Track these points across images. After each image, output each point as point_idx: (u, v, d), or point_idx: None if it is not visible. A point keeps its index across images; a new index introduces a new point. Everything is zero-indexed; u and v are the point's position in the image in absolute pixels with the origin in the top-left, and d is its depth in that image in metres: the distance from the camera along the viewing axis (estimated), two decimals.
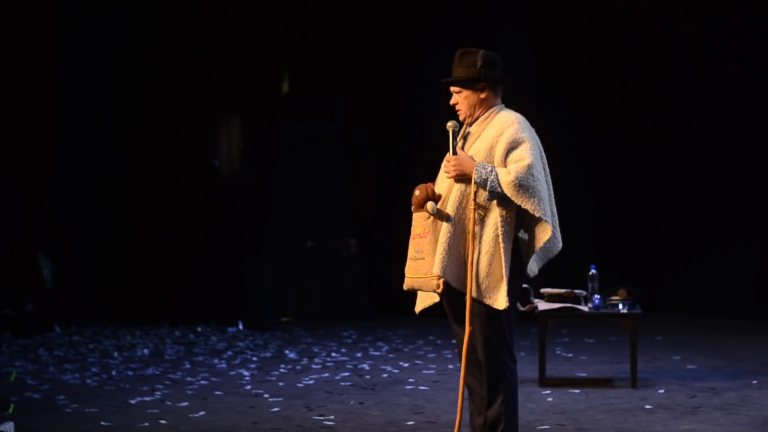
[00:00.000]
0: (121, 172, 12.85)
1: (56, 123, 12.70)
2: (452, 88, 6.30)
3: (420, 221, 6.29)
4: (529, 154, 6.03)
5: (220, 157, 12.66)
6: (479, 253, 6.11)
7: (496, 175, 6.04)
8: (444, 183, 6.28)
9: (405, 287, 6.40)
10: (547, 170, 6.27)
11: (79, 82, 12.96)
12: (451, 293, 6.25)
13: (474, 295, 6.13)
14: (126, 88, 12.78)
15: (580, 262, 9.84)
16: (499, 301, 6.09)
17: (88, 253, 12.95)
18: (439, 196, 6.25)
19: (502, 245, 6.07)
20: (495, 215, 6.09)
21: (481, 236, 6.12)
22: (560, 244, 6.31)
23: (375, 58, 13.35)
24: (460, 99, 6.28)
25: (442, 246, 6.15)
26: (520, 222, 6.14)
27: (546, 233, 6.11)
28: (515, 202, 6.02)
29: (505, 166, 6.07)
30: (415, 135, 13.03)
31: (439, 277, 6.16)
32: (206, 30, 12.45)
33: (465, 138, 6.29)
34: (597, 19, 13.24)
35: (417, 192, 6.28)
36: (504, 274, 6.07)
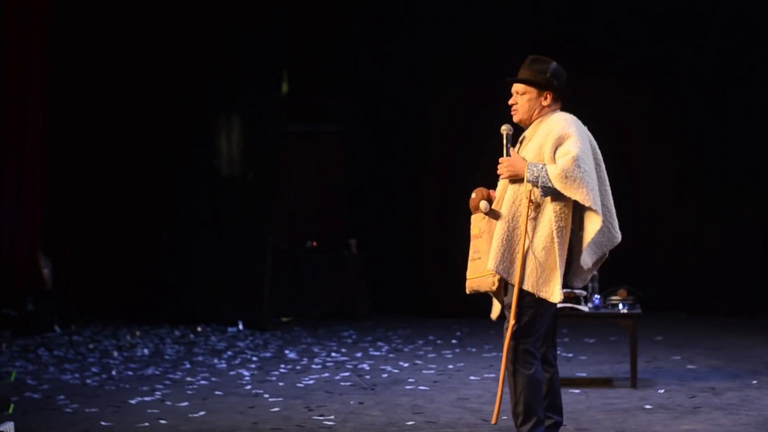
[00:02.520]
0: (121, 172, 12.84)
1: (56, 122, 12.70)
2: (515, 89, 6.45)
3: (476, 222, 6.47)
4: (574, 146, 6.18)
5: (220, 157, 12.66)
6: (535, 248, 6.23)
7: (546, 171, 6.19)
8: (500, 188, 6.43)
9: (467, 291, 6.54)
10: (602, 165, 6.41)
11: (78, 82, 12.96)
12: (507, 292, 6.35)
13: (529, 288, 6.24)
14: (126, 87, 12.77)
15: None
16: (555, 294, 6.24)
17: (88, 253, 12.95)
18: (494, 198, 6.35)
19: (556, 239, 6.21)
20: (549, 211, 6.24)
21: (535, 232, 6.26)
22: (618, 238, 6.42)
23: (375, 57, 13.35)
24: (522, 100, 6.44)
25: (497, 243, 6.31)
26: (575, 217, 6.25)
27: (596, 224, 6.23)
28: (565, 194, 6.14)
29: (554, 162, 6.21)
30: (415, 134, 13.04)
31: (494, 274, 6.29)
32: (206, 29, 12.44)
33: (521, 143, 6.41)
34: (597, 13, 13.24)
35: (474, 195, 6.48)
36: (558, 267, 6.21)
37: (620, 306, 8.95)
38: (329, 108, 13.54)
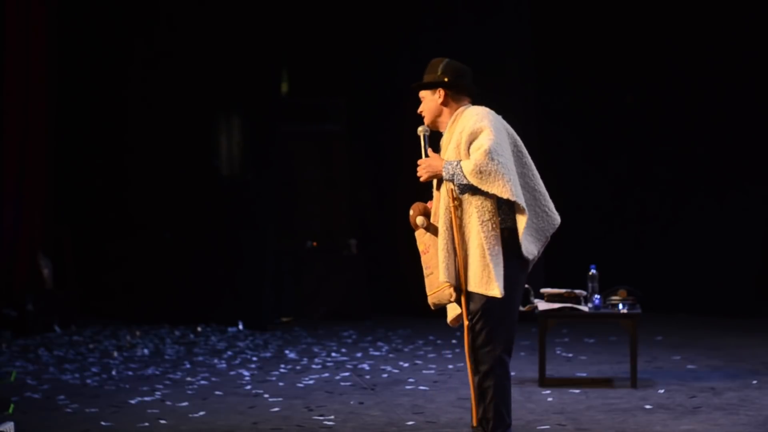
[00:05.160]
0: (121, 172, 12.84)
1: (57, 122, 12.70)
2: (420, 95, 6.47)
3: (420, 238, 6.48)
4: (487, 139, 6.11)
5: (220, 157, 12.66)
6: (471, 247, 6.18)
7: (461, 167, 6.15)
8: (436, 198, 6.43)
9: (431, 306, 6.49)
10: (525, 152, 6.32)
11: (79, 81, 12.96)
12: (471, 298, 6.30)
13: (473, 288, 6.19)
14: (126, 87, 12.77)
15: (580, 262, 9.84)
16: (493, 289, 6.15)
17: (88, 253, 12.95)
18: (431, 211, 6.38)
19: (482, 234, 6.13)
20: (473, 207, 6.20)
21: (467, 231, 6.20)
22: (557, 220, 6.38)
23: (374, 56, 13.35)
24: (423, 104, 6.46)
25: (441, 254, 6.26)
26: (502, 208, 6.18)
27: (522, 214, 6.17)
28: (482, 189, 6.10)
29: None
30: (414, 134, 13.03)
31: (449, 286, 6.26)
32: (206, 29, 12.45)
33: (440, 148, 6.41)
34: (598, 7, 13.25)
35: (411, 212, 6.47)
36: (489, 262, 6.12)
37: (620, 306, 8.95)
38: (329, 108, 13.54)
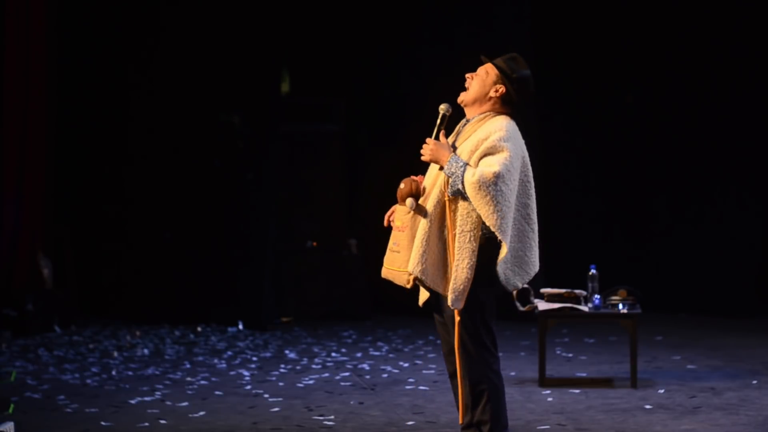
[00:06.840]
0: (122, 172, 12.84)
1: (56, 122, 12.69)
2: (480, 68, 6.30)
3: (401, 214, 6.31)
4: (501, 163, 6.00)
5: (220, 158, 12.65)
6: (441, 249, 6.12)
7: (463, 171, 6.04)
8: (431, 177, 6.30)
9: (382, 275, 6.40)
10: (532, 183, 6.24)
11: (79, 81, 12.96)
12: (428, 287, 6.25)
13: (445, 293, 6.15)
14: (126, 87, 12.77)
15: (580, 262, 9.84)
16: (451, 300, 6.08)
17: (88, 253, 12.95)
18: (423, 190, 6.26)
19: (457, 244, 6.06)
20: (458, 213, 6.10)
21: (445, 231, 6.13)
22: (538, 264, 6.27)
23: (374, 56, 13.35)
24: (477, 79, 6.29)
25: (419, 243, 6.15)
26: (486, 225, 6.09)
27: (503, 249, 6.05)
28: (473, 203, 6.01)
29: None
30: (414, 134, 13.04)
31: (410, 274, 6.16)
32: (206, 29, 12.45)
33: (457, 135, 6.32)
34: (598, 8, 13.25)
35: (402, 185, 6.32)
36: (450, 273, 6.06)
37: (620, 306, 8.96)
38: (329, 108, 13.54)
